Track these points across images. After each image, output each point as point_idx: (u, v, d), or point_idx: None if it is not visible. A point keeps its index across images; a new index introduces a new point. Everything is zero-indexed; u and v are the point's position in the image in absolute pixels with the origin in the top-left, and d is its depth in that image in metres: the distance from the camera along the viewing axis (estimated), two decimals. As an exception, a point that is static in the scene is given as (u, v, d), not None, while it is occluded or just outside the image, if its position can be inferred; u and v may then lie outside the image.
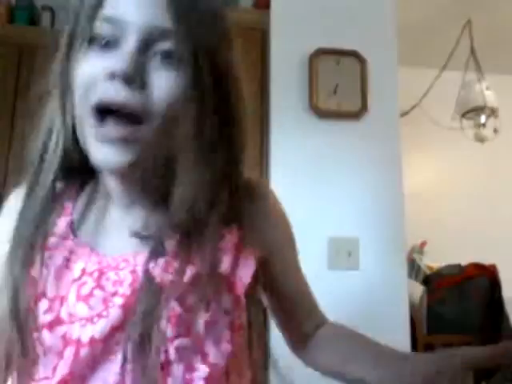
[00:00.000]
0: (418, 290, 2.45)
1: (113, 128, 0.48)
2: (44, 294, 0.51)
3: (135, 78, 0.48)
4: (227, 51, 0.57)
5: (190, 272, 0.50)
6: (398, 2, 2.13)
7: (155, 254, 0.51)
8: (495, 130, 3.04)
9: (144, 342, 0.47)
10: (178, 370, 0.49)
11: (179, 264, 0.50)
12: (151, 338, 0.48)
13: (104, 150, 0.49)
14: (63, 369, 0.49)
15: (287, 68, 2.00)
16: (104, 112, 0.49)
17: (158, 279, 0.50)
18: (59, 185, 0.56)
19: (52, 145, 0.54)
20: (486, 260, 2.57)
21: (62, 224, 0.55)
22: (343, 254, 1.77)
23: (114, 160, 0.49)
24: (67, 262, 0.52)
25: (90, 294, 0.50)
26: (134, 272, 0.51)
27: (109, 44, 0.51)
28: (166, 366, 0.49)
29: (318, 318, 0.70)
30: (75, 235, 0.55)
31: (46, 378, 0.50)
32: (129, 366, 0.48)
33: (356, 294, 1.70)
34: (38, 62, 2.28)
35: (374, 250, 1.83)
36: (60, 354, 0.49)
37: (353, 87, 1.97)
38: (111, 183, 0.56)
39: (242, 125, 0.58)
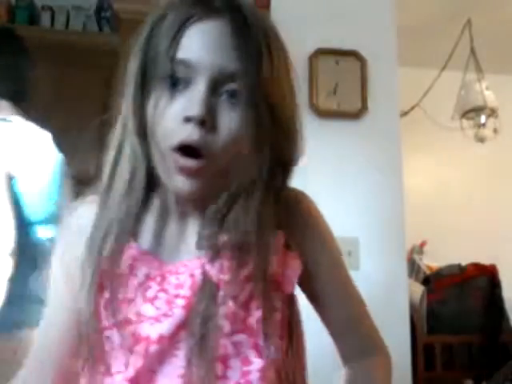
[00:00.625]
0: (418, 289, 2.45)
1: (188, 161, 0.55)
2: (113, 298, 0.57)
3: (207, 120, 0.54)
4: (285, 84, 0.61)
5: (243, 272, 0.55)
6: (397, 2, 2.13)
7: (211, 257, 0.56)
8: (495, 130, 3.04)
9: (205, 338, 0.53)
10: (235, 362, 0.55)
11: (234, 265, 0.55)
12: (211, 335, 0.53)
13: (179, 179, 0.56)
14: (136, 363, 0.55)
15: (287, 68, 2.00)
16: (182, 149, 0.55)
17: (214, 280, 0.55)
18: None
19: (130, 170, 0.60)
20: (486, 260, 2.57)
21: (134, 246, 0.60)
22: (343, 254, 1.77)
23: (186, 188, 0.56)
24: (131, 268, 0.58)
25: (156, 297, 0.56)
26: (192, 275, 0.57)
27: (180, 83, 0.56)
28: (225, 360, 0.54)
29: (359, 342, 0.70)
30: (137, 244, 0.60)
31: (119, 372, 0.56)
32: (192, 360, 0.53)
33: (356, 294, 1.70)
34: (38, 61, 2.24)
35: (374, 250, 1.83)
36: (130, 351, 0.55)
37: (353, 87, 1.97)
38: (177, 202, 0.61)
39: (295, 150, 0.62)
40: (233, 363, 0.55)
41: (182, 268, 0.58)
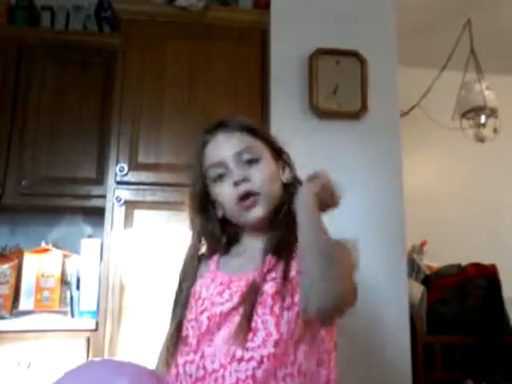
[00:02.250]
0: (418, 290, 2.45)
1: (249, 200, 0.97)
2: (199, 297, 0.96)
3: (244, 178, 0.97)
4: (274, 145, 1.07)
5: (274, 276, 0.90)
6: (397, 2, 2.13)
7: (257, 268, 0.92)
8: (495, 130, 3.04)
9: (246, 315, 0.87)
10: (261, 333, 0.85)
11: (267, 272, 0.91)
12: (251, 313, 0.86)
13: (249, 213, 0.97)
14: (201, 329, 0.91)
15: (287, 68, 2.00)
16: (242, 199, 0.97)
17: (258, 281, 0.90)
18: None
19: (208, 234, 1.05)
20: (486, 260, 2.57)
21: (212, 264, 1.03)
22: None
23: (255, 216, 0.98)
24: (212, 280, 0.98)
25: (222, 291, 0.93)
26: (247, 280, 0.92)
27: (223, 173, 0.99)
28: (255, 331, 0.85)
29: None
30: (217, 268, 1.01)
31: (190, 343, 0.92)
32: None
33: (356, 294, 1.70)
34: (38, 62, 2.25)
35: (374, 249, 1.83)
36: (201, 325, 0.91)
37: (353, 87, 1.97)
38: (243, 232, 1.04)
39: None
40: (259, 334, 0.85)
41: (242, 276, 0.94)
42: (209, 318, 0.91)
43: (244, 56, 2.06)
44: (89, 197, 2.15)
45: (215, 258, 1.04)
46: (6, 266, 2.07)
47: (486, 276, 2.50)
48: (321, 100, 1.94)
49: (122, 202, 1.86)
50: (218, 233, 1.04)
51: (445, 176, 3.43)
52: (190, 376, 0.88)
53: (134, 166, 1.90)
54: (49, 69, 2.23)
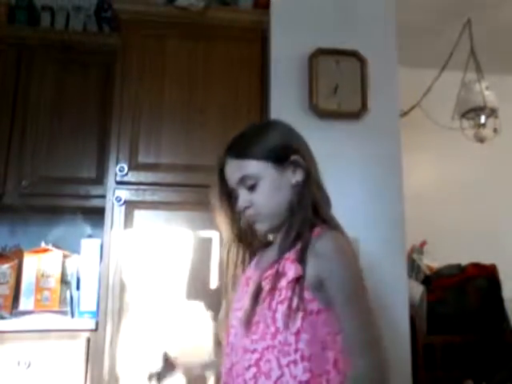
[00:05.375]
0: (418, 290, 2.45)
1: (257, 226, 1.08)
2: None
3: (246, 205, 1.05)
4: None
5: (270, 274, 0.98)
6: (397, 2, 2.13)
7: (262, 269, 1.03)
8: (495, 130, 3.04)
9: (247, 311, 0.97)
10: (261, 325, 0.95)
11: (266, 270, 1.00)
12: (252, 308, 0.97)
13: (255, 227, 1.08)
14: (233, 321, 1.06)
15: (287, 68, 1.99)
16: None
17: (258, 279, 1.00)
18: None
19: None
20: (486, 260, 2.57)
21: (254, 260, 1.13)
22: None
23: (259, 230, 1.08)
24: (244, 276, 1.11)
25: (244, 287, 1.06)
26: (256, 278, 1.02)
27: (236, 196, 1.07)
28: (256, 323, 0.96)
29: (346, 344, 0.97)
30: (255, 265, 1.11)
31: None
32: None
33: (356, 294, 1.70)
34: (38, 62, 2.25)
35: (374, 250, 1.83)
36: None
37: (353, 87, 1.97)
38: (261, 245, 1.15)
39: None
40: (260, 327, 0.95)
41: (255, 275, 1.04)
42: (233, 311, 1.06)
43: (244, 56, 2.06)
44: (89, 197, 2.15)
45: (259, 253, 1.14)
46: (5, 266, 2.07)
47: (486, 276, 2.51)
48: (321, 100, 1.94)
49: (122, 201, 1.86)
50: (247, 234, 1.13)
51: (445, 176, 3.43)
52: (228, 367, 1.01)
53: (134, 165, 1.90)
54: (49, 69, 2.23)
